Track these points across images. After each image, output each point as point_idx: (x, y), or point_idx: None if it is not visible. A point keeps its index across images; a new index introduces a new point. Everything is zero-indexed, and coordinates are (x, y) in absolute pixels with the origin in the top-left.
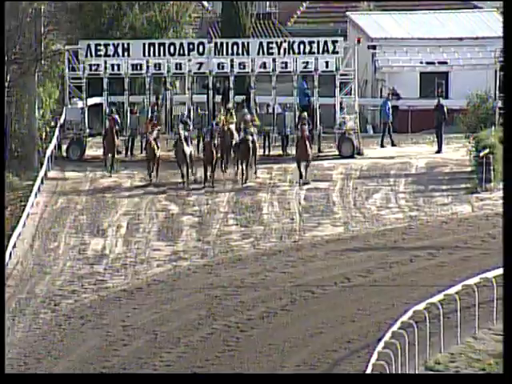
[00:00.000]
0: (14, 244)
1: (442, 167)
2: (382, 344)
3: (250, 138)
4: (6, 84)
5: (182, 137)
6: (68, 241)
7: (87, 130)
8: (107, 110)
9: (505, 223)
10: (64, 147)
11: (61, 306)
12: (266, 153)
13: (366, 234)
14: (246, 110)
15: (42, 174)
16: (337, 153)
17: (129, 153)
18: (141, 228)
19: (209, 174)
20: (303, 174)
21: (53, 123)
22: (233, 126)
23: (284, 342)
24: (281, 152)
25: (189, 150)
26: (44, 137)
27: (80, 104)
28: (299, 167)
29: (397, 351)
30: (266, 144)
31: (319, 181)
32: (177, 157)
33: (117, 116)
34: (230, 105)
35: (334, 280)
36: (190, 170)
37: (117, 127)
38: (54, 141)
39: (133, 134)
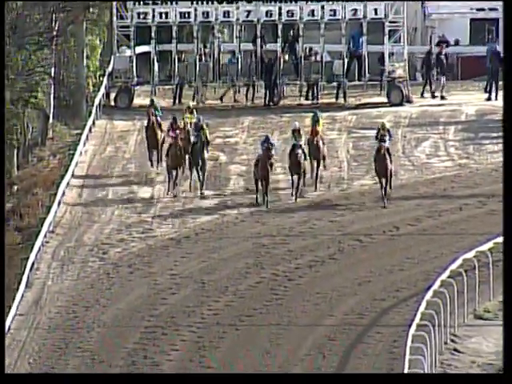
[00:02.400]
0: (63, 192)
1: (492, 114)
2: (430, 293)
3: (299, 151)
4: (55, 33)
5: (202, 142)
6: (116, 189)
7: (135, 79)
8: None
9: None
10: (112, 96)
11: (109, 254)
12: (315, 101)
13: (415, 182)
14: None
15: (90, 122)
16: (386, 101)
17: (177, 101)
18: (188, 176)
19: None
20: (383, 191)
21: (101, 72)
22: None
23: (332, 290)
24: (333, 100)
25: (207, 155)
26: (92, 85)
27: (128, 52)
28: (380, 183)
29: (446, 300)
30: (315, 93)
31: (368, 129)
32: (191, 162)
33: (156, 111)
34: (191, 103)
35: (382, 229)
36: (203, 178)
37: (158, 119)
38: (102, 89)
39: (181, 81)
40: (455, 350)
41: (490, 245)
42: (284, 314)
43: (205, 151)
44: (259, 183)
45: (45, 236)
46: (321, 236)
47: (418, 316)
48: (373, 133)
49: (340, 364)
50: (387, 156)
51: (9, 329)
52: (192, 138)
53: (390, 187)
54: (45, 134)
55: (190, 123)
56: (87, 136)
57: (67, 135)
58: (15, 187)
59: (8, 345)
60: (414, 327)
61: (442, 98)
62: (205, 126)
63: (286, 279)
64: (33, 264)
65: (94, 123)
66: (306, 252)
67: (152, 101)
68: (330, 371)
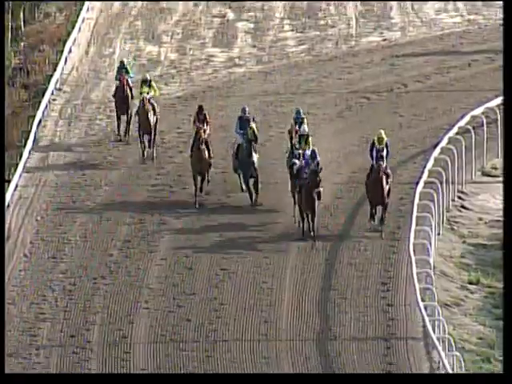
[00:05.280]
0: (70, 49)
1: None
2: (438, 150)
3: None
4: None
5: (249, 142)
6: (123, 47)
7: None
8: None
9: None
10: None
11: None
12: None
13: (423, 38)
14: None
15: None
16: None
17: None
18: (196, 34)
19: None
20: (375, 216)
21: None
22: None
23: (339, 148)
24: None
25: (256, 157)
26: None
27: None
28: (373, 210)
29: (453, 157)
30: None
31: None
32: (240, 170)
33: (127, 73)
34: (148, 75)
35: (390, 86)
36: (257, 187)
37: (129, 81)
38: None
39: None
40: (462, 207)
41: (498, 101)
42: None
43: (253, 153)
44: (304, 214)
45: (52, 93)
46: (328, 93)
47: (426, 173)
48: None
49: (345, 223)
50: (384, 179)
51: (16, 186)
52: (238, 138)
53: (384, 214)
54: None
55: (149, 99)
56: None
57: None
58: (22, 44)
59: (15, 202)
60: (421, 184)
61: None
62: (251, 121)
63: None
64: (40, 121)
65: None
66: (314, 110)
67: (122, 62)
68: (336, 230)
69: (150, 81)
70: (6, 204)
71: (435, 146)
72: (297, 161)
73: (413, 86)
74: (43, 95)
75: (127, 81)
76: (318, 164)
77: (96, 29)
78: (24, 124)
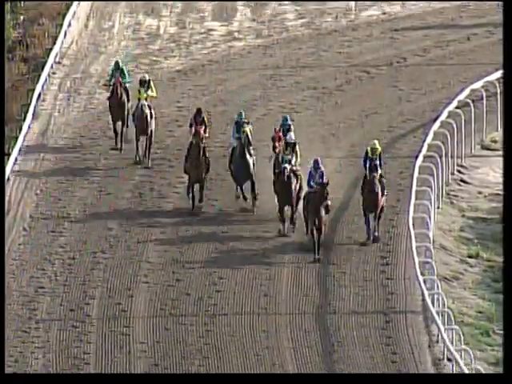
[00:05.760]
0: (69, 23)
1: None
2: (437, 123)
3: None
4: None
5: (242, 145)
6: (122, 20)
7: None
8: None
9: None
10: None
11: None
12: None
13: (423, 12)
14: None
15: None
16: None
17: None
18: (195, 8)
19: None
20: (370, 228)
21: None
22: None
23: (339, 122)
24: None
25: (251, 160)
26: None
27: None
28: (365, 217)
29: (453, 131)
30: None
31: None
32: (233, 174)
33: (123, 77)
34: (147, 76)
35: (389, 59)
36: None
37: (126, 86)
38: None
39: None
40: (462, 180)
41: (497, 75)
42: None
43: (247, 156)
44: (310, 231)
45: (51, 67)
46: (328, 67)
47: (425, 147)
48: None
49: (344, 197)
50: (378, 187)
51: (16, 160)
52: (232, 141)
53: (378, 222)
54: None
55: (146, 99)
56: None
57: None
58: (21, 17)
59: (15, 176)
60: (420, 158)
61: None
62: (245, 124)
63: (293, 111)
64: (39, 95)
65: None
66: (314, 83)
67: (117, 63)
68: (335, 204)
69: (149, 81)
70: (6, 178)
71: (435, 120)
72: (287, 165)
73: (412, 59)
74: (43, 69)
75: (122, 84)
76: (323, 175)
77: (95, 2)
78: (23, 98)
